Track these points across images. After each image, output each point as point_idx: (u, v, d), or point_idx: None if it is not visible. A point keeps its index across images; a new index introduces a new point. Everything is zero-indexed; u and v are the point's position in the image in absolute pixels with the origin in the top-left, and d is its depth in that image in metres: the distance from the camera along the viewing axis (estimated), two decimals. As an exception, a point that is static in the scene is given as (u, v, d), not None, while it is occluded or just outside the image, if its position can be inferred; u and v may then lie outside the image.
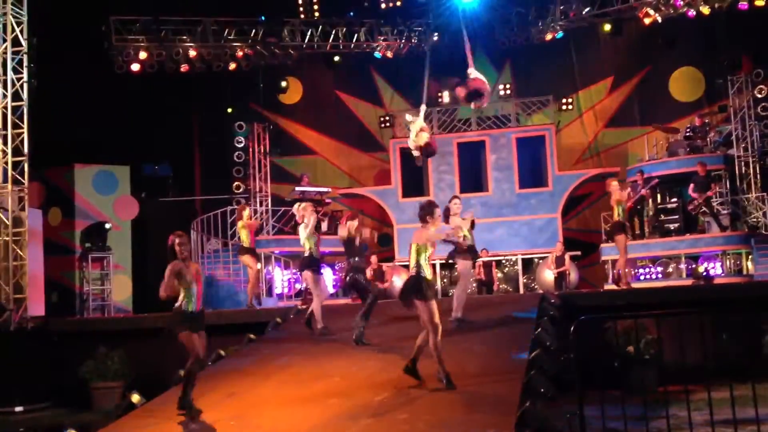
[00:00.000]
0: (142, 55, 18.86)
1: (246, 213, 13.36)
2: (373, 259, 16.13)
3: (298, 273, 11.09)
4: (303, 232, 10.54)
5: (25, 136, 13.69)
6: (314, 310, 10.40)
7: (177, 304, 7.62)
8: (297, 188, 18.13)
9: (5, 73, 13.61)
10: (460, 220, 9.89)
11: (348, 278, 10.14)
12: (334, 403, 7.56)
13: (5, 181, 13.47)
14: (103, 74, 18.74)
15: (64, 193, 17.42)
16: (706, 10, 17.63)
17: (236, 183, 19.67)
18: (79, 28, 18.13)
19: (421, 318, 7.51)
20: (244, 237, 13.12)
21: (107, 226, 16.98)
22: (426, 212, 7.73)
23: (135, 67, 18.93)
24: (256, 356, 9.87)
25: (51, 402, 12.40)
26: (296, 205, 11.09)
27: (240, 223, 13.24)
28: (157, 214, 18.85)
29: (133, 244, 17.79)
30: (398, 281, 17.15)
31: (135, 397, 8.49)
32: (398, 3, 20.17)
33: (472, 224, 10.23)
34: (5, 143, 13.54)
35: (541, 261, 18.34)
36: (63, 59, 17.27)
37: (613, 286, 13.53)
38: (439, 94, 20.63)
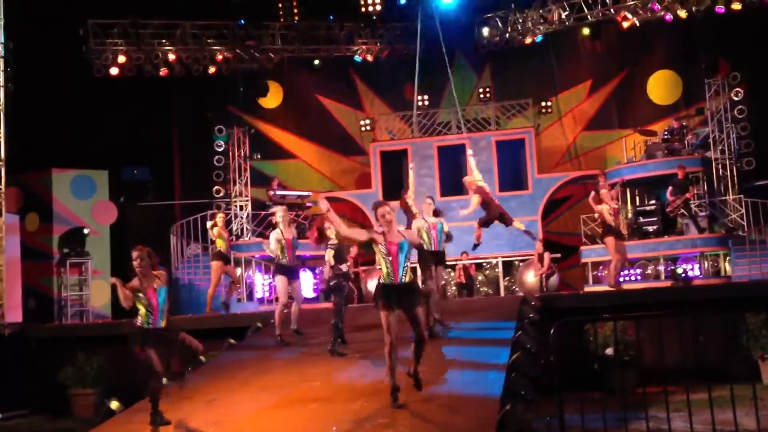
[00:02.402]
0: (121, 59, 18.72)
1: (219, 218, 13.49)
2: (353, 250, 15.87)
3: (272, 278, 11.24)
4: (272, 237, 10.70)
5: (2, 140, 13.57)
6: (276, 315, 10.53)
7: (134, 320, 7.64)
8: (277, 192, 18.06)
9: (-19, 77, 13.50)
10: (420, 223, 9.96)
11: (333, 283, 10.02)
12: (314, 408, 7.54)
13: (-18, 186, 13.35)
14: (82, 78, 18.60)
15: (41, 198, 17.25)
16: (683, 13, 17.78)
17: (216, 187, 19.57)
18: (57, 32, 17.99)
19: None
20: (221, 243, 13.19)
21: (85, 231, 16.84)
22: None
23: (114, 71, 18.78)
24: (237, 361, 9.83)
25: (29, 409, 12.30)
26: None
27: (216, 229, 13.31)
28: (136, 219, 18.72)
29: (111, 249, 17.63)
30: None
31: (114, 404, 8.44)
32: (378, 7, 20.17)
33: (449, 237, 10.24)
34: (-19, 148, 13.43)
35: (521, 263, 18.40)
36: (41, 63, 17.13)
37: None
38: (419, 98, 20.69)
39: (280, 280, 10.56)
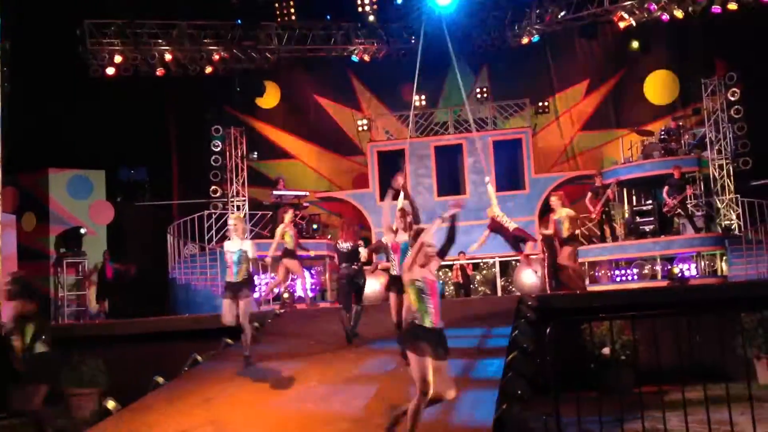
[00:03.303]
0: (117, 58, 18.74)
1: (288, 216, 13.22)
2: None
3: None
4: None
5: (-2, 140, 13.54)
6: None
7: None
8: (275, 192, 18.05)
9: (-22, 77, 13.48)
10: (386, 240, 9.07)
11: (351, 281, 9.98)
12: (310, 408, 7.54)
13: (-22, 186, 13.33)
14: (78, 78, 18.61)
15: (38, 198, 17.26)
16: (679, 14, 17.82)
17: (213, 187, 19.55)
18: (53, 32, 17.98)
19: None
20: (288, 240, 12.95)
21: (82, 231, 16.85)
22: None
23: (110, 70, 18.80)
24: (233, 361, 9.81)
25: (8, 412, 12.25)
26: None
27: (281, 227, 13.04)
28: (133, 219, 18.72)
29: (108, 249, 17.65)
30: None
31: (110, 404, 8.40)
32: (375, 6, 20.19)
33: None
34: (-22, 148, 13.40)
35: (518, 263, 18.39)
36: (37, 63, 17.12)
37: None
38: (416, 97, 20.73)
39: (223, 302, 9.28)
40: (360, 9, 20.20)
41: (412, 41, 20.48)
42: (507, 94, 20.72)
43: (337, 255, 10.26)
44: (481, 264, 19.29)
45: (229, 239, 9.48)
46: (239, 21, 19.68)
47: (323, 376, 8.60)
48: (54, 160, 17.63)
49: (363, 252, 9.99)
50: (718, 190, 17.96)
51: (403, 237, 8.74)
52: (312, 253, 14.86)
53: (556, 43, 20.74)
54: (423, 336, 6.05)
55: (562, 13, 19.29)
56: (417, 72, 16.31)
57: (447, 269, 18.69)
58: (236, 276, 9.18)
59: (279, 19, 20.15)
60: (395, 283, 8.62)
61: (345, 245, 10.12)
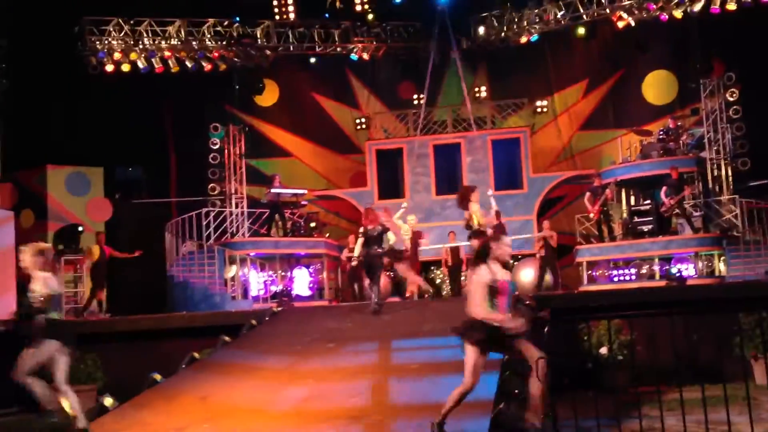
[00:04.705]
0: (116, 55, 18.72)
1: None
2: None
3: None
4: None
5: (-3, 137, 13.55)
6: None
7: None
8: (272, 189, 18.02)
9: (-24, 73, 13.47)
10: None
11: (371, 261, 11.38)
12: (308, 406, 7.53)
13: (-24, 182, 13.33)
14: (77, 75, 18.59)
15: (36, 194, 17.24)
16: (678, 14, 17.84)
17: (211, 185, 19.54)
18: (52, 29, 17.97)
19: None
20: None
21: (80, 228, 16.81)
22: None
23: (109, 67, 18.79)
24: (230, 359, 9.82)
25: (20, 406, 12.24)
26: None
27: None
28: (131, 216, 18.69)
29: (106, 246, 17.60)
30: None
31: (108, 401, 8.39)
32: (374, 5, 20.19)
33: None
34: (-24, 144, 13.40)
35: (516, 263, 18.37)
36: (35, 60, 17.09)
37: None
38: (415, 96, 20.77)
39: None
40: (359, 7, 20.19)
41: (410, 39, 20.56)
42: (506, 94, 20.73)
43: (365, 240, 11.29)
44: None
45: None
46: (238, 19, 19.68)
47: (320, 373, 8.60)
48: (52, 157, 17.62)
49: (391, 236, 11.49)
50: (717, 190, 17.96)
51: (505, 274, 6.41)
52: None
53: (555, 43, 20.74)
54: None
55: (562, 13, 19.30)
56: (429, 68, 16.43)
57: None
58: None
59: (278, 17, 20.15)
60: (491, 338, 6.20)
61: (374, 230, 11.24)
